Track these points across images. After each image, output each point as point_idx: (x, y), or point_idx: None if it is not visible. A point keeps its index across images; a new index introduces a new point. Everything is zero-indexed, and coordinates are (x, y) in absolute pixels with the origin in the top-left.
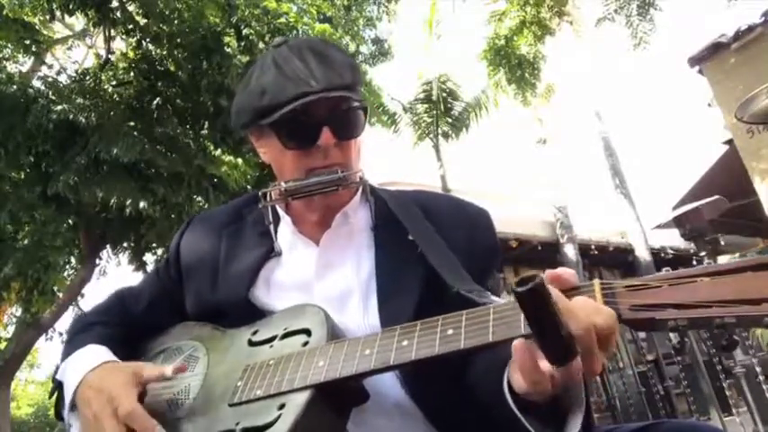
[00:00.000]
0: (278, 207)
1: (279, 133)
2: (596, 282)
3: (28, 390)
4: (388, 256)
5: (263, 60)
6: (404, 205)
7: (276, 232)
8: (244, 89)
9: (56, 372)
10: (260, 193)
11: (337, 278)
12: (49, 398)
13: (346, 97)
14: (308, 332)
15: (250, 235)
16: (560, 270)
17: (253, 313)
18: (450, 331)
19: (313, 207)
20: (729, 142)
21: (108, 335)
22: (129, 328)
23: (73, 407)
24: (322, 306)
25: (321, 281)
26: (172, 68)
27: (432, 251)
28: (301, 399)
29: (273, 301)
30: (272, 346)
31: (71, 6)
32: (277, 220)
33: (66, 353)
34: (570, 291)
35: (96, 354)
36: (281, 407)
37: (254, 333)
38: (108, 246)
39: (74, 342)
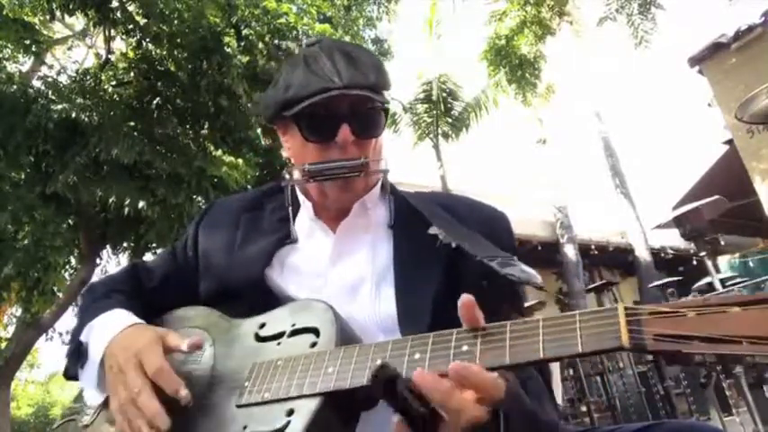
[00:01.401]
0: (299, 194)
1: (300, 126)
2: (620, 306)
3: (28, 390)
4: (405, 249)
5: (295, 58)
6: (424, 202)
7: (295, 218)
8: (274, 85)
9: (75, 334)
10: (284, 171)
11: (351, 266)
12: (66, 357)
13: (368, 97)
14: (316, 332)
15: (268, 221)
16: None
17: (266, 294)
18: (465, 348)
19: (330, 198)
20: (729, 142)
21: (129, 303)
22: (141, 302)
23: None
24: (335, 293)
25: (335, 268)
26: (172, 68)
27: (455, 234)
28: (311, 406)
29: (287, 285)
30: (279, 344)
31: (71, 6)
32: (297, 206)
33: (87, 318)
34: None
35: (123, 317)
36: (290, 413)
37: (262, 327)
38: (108, 246)
39: (95, 306)
